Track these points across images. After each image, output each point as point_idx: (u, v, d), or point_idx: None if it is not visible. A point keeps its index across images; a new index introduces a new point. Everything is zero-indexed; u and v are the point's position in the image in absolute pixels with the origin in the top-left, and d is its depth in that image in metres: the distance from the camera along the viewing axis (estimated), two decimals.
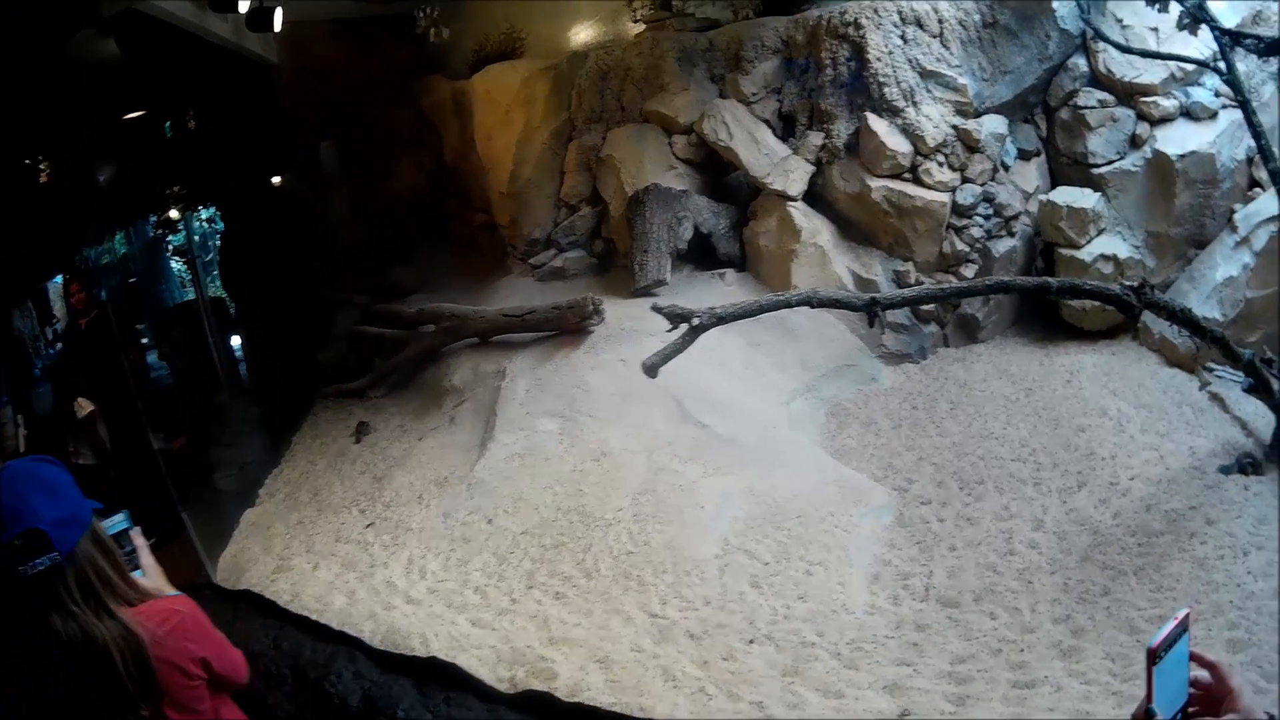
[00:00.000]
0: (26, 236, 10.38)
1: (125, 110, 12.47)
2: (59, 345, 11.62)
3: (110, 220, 13.94)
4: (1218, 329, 8.33)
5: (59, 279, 11.51)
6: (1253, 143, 9.30)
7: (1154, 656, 2.02)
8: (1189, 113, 11.44)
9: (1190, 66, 10.99)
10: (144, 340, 13.73)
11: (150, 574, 3.59)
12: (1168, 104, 11.47)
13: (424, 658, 6.96)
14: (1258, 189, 10.95)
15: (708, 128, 13.20)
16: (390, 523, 9.77)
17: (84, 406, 10.35)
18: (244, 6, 11.46)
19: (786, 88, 13.34)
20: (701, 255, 13.39)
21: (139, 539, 3.63)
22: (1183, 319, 8.06)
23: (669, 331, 8.89)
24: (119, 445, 10.52)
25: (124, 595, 3.26)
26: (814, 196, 12.81)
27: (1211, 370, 9.99)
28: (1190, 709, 2.14)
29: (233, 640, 3.73)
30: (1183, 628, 2.08)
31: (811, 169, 12.71)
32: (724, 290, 12.55)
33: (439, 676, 6.65)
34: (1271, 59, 10.76)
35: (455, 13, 14.94)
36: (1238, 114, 9.98)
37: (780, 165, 12.73)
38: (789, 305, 9.05)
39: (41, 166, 10.85)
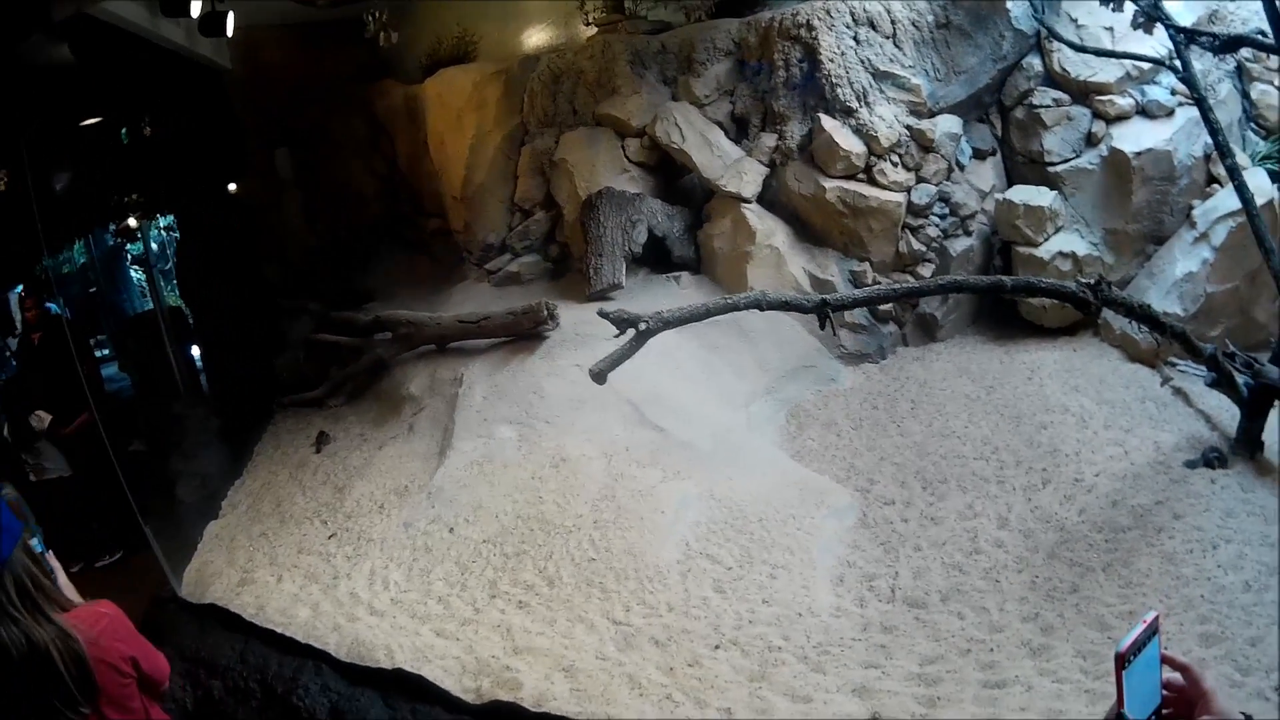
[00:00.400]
0: None
1: (80, 117, 12.37)
2: (13, 362, 11.53)
3: (68, 229, 13.84)
4: (1178, 324, 8.33)
5: (19, 289, 11.42)
6: (1210, 139, 9.34)
7: (1123, 661, 2.01)
8: (1145, 111, 11.50)
9: (1146, 65, 11.08)
10: (103, 352, 13.65)
11: (66, 593, 3.78)
12: (1123, 102, 11.53)
13: (390, 669, 6.94)
14: (1216, 185, 11.00)
15: (660, 130, 13.16)
16: (352, 533, 9.68)
17: (43, 418, 10.25)
18: (196, 11, 11.32)
19: (739, 90, 13.32)
20: (657, 258, 13.36)
21: (53, 560, 3.88)
22: (1141, 315, 8.08)
23: (616, 337, 8.87)
24: (77, 460, 10.46)
25: (58, 600, 3.50)
26: (768, 198, 12.80)
27: (1174, 365, 10.03)
28: (1164, 711, 2.13)
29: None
30: (1152, 630, 2.07)
31: (765, 171, 12.72)
32: (679, 293, 12.54)
33: (405, 688, 6.63)
34: (1227, 56, 10.83)
35: (407, 16, 14.85)
36: (1194, 111, 10.07)
37: (734, 167, 12.73)
38: (737, 308, 9.02)
39: None
